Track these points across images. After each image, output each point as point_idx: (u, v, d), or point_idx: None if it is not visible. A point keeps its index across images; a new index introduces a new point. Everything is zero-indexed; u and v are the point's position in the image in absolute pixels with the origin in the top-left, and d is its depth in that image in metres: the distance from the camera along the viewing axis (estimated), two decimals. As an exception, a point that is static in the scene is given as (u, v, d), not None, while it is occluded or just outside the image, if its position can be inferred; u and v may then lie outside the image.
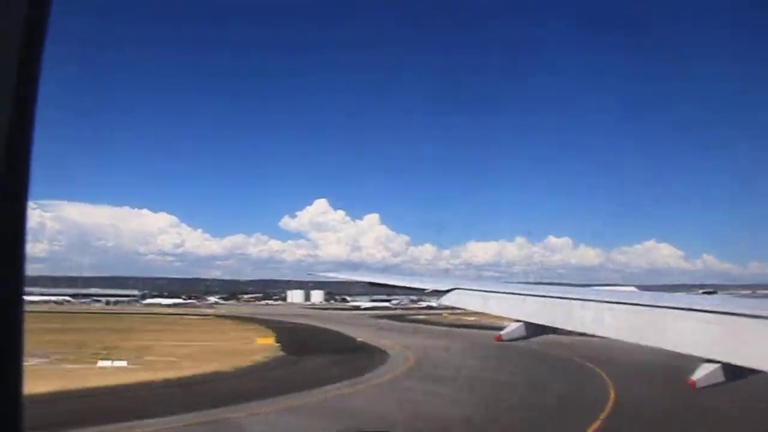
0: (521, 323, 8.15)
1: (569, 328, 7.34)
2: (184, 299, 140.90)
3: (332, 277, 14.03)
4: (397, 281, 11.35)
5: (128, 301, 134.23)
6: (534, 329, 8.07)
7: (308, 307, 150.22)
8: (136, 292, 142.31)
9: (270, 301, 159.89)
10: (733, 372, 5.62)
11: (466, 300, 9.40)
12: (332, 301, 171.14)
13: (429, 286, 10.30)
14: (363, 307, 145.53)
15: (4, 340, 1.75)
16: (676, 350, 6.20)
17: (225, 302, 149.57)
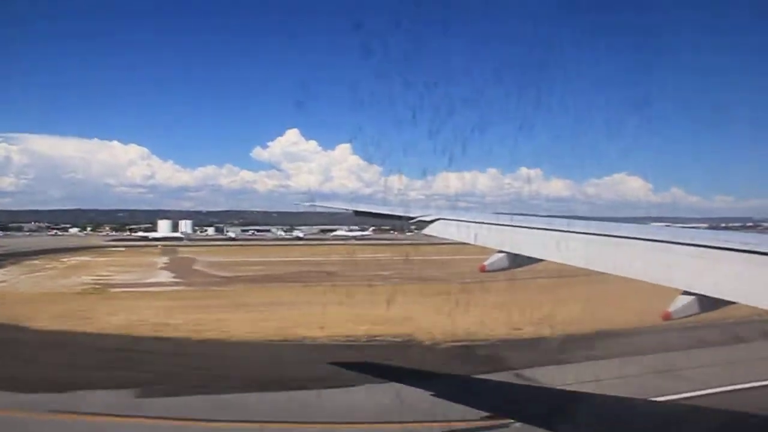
0: (505, 254, 8.29)
1: (556, 259, 7.47)
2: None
3: (309, 207, 13.93)
4: (383, 210, 11.36)
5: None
6: (518, 259, 8.23)
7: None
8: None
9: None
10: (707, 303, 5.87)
11: (451, 230, 9.50)
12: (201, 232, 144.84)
13: (415, 214, 10.33)
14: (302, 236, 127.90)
15: None
16: (656, 283, 6.44)
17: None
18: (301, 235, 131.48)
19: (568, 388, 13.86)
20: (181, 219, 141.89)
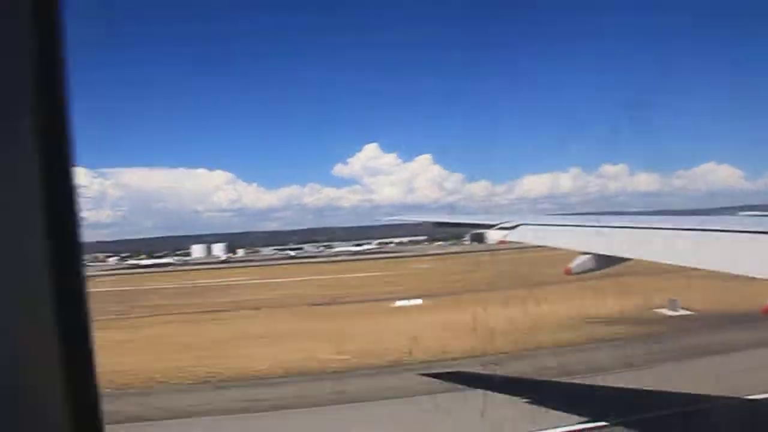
0: (590, 255, 8.35)
1: (640, 257, 7.50)
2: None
3: (397, 221, 14.41)
4: (463, 219, 11.60)
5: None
6: (603, 260, 8.27)
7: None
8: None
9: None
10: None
11: (535, 235, 9.61)
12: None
13: (496, 221, 10.50)
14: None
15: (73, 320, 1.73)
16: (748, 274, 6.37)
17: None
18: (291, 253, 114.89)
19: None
20: (263, 240, 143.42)
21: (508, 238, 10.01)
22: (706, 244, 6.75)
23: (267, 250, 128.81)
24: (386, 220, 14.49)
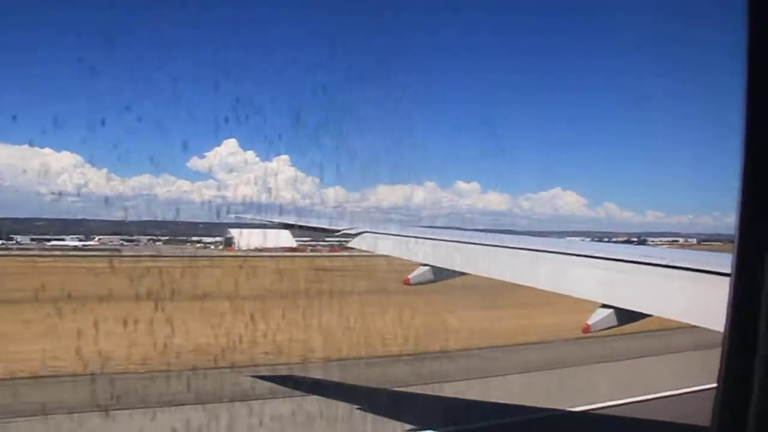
0: (429, 267, 8.26)
1: (475, 272, 7.50)
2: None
3: (244, 219, 13.65)
4: (310, 222, 11.16)
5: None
6: (441, 272, 8.21)
7: None
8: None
9: None
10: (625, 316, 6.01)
11: (375, 243, 9.39)
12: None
13: (340, 228, 10.19)
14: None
15: None
16: (572, 294, 6.56)
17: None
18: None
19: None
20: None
21: (350, 245, 9.72)
22: (530, 263, 6.96)
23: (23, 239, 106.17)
24: (234, 217, 13.65)
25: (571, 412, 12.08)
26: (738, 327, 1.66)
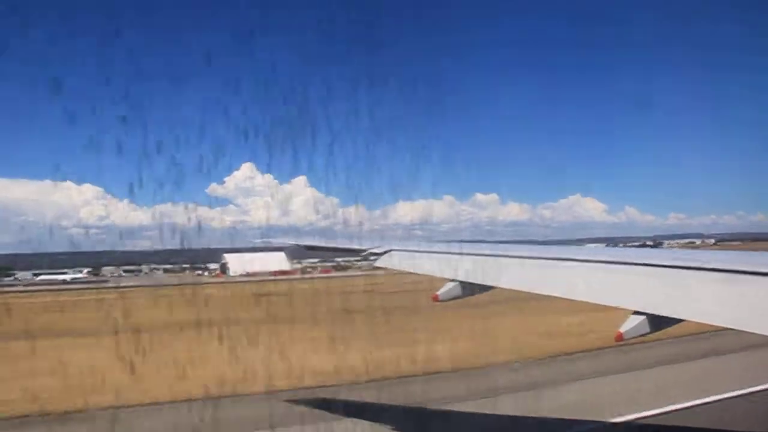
0: (457, 282, 8.22)
1: (503, 285, 7.45)
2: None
3: (267, 243, 13.78)
4: (334, 243, 11.22)
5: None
6: (470, 288, 8.16)
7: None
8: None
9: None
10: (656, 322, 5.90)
11: (402, 261, 9.40)
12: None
13: (365, 247, 10.22)
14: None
15: None
16: (606, 304, 6.47)
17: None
18: None
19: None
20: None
21: (376, 264, 9.74)
22: (553, 272, 6.90)
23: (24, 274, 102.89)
24: (258, 242, 13.80)
25: None
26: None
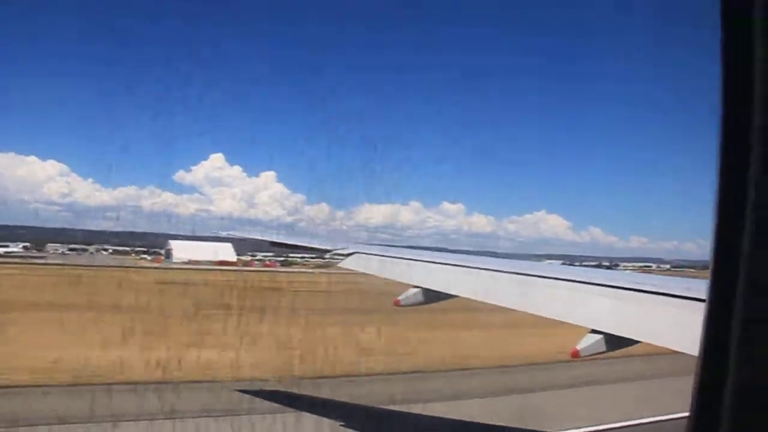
0: (419, 289, 8.25)
1: (466, 295, 7.50)
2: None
3: (234, 235, 13.69)
4: (299, 241, 11.16)
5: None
6: (432, 295, 8.20)
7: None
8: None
9: None
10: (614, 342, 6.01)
11: (367, 264, 9.39)
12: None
13: (330, 247, 10.20)
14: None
15: None
16: (555, 318, 6.58)
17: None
18: None
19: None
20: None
21: (341, 265, 9.72)
22: (520, 287, 6.98)
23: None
24: (224, 234, 13.68)
25: None
26: (709, 356, 1.67)
